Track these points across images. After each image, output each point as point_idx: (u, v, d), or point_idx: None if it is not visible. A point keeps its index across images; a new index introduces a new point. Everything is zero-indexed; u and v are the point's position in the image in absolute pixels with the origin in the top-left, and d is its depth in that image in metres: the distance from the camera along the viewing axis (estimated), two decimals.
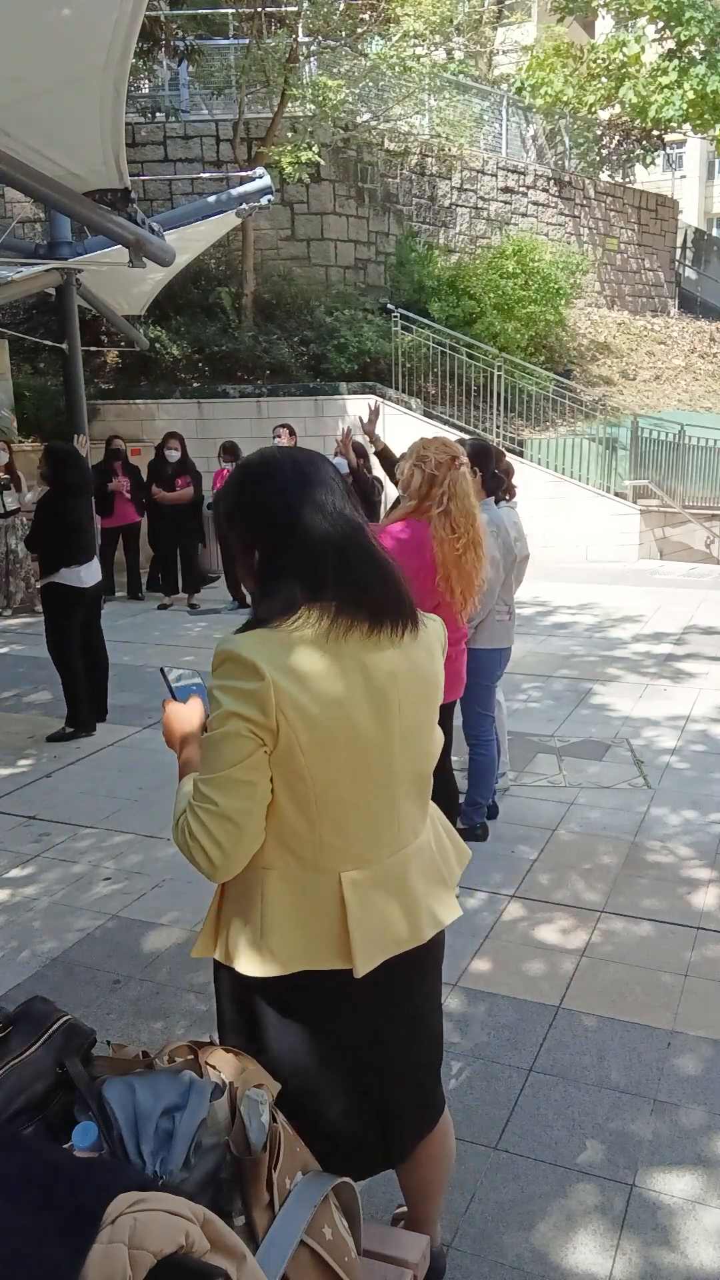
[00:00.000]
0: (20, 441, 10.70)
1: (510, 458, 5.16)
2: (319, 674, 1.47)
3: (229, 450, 9.48)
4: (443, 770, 3.69)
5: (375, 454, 5.40)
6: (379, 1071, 1.68)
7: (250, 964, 1.57)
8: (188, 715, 1.72)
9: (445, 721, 3.62)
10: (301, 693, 1.46)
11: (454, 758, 4.79)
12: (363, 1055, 1.66)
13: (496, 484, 4.21)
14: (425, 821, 1.72)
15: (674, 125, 18.19)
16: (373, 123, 14.85)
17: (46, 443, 7.42)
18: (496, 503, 4.21)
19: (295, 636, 1.48)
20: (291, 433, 8.90)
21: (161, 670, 1.82)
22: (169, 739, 1.74)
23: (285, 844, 1.55)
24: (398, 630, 1.55)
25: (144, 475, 10.01)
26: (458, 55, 19.68)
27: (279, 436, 8.74)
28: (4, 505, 9.43)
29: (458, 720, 4.23)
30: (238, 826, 1.47)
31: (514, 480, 4.69)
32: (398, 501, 3.75)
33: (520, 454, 12.64)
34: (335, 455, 7.59)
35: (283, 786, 1.51)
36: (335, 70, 13.94)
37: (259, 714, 1.45)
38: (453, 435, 10.49)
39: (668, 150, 22.46)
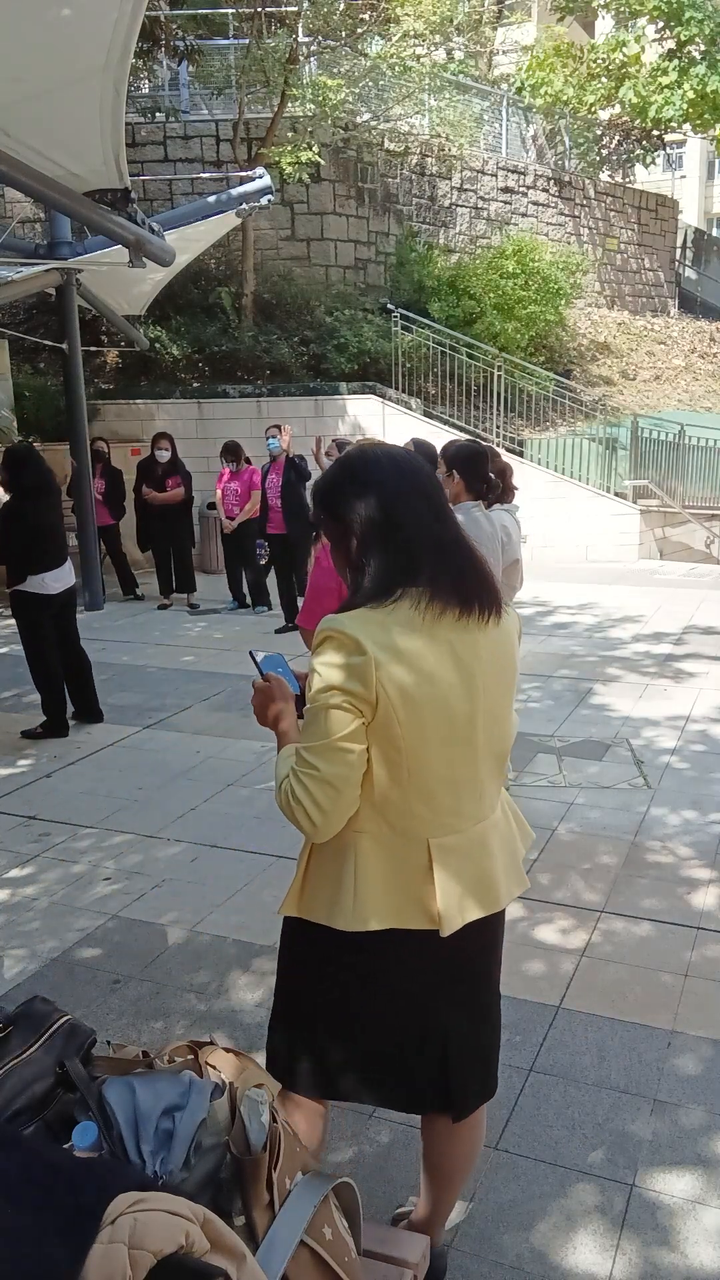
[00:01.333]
0: (22, 440, 10.69)
1: (510, 458, 5.14)
2: (414, 652, 1.61)
3: (231, 450, 9.47)
4: None
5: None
6: (445, 1028, 1.80)
7: (344, 919, 1.69)
8: (278, 691, 1.85)
9: None
10: (399, 668, 1.60)
11: None
12: (432, 1011, 1.79)
13: (487, 487, 4.12)
14: (500, 795, 1.85)
15: (674, 125, 18.20)
16: (373, 123, 14.86)
17: (53, 442, 7.28)
18: (488, 506, 4.16)
19: (393, 617, 1.62)
20: (280, 430, 8.83)
21: (250, 654, 1.95)
22: (261, 715, 1.85)
23: (378, 810, 1.68)
24: (484, 616, 1.69)
25: (130, 477, 10.01)
26: (458, 55, 19.70)
27: (273, 436, 8.68)
28: None
29: None
30: (337, 790, 1.61)
31: (513, 481, 4.66)
32: None
33: (520, 454, 12.64)
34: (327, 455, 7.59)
35: (378, 756, 1.64)
36: (335, 70, 13.94)
37: (360, 687, 1.59)
38: (452, 435, 10.51)
39: (668, 150, 22.47)
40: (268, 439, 8.68)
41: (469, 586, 1.68)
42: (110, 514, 10.04)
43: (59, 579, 5.70)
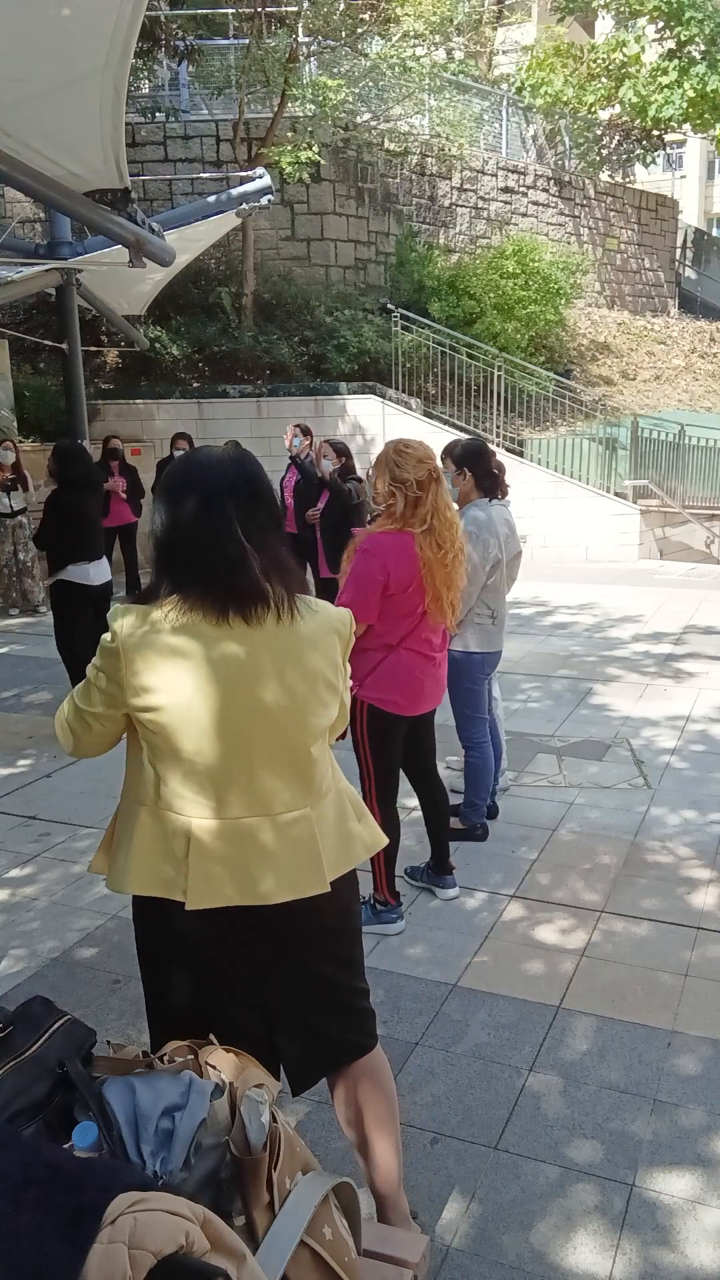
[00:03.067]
0: (21, 441, 10.70)
1: (510, 458, 5.13)
2: (171, 648, 1.71)
3: None
4: (431, 773, 3.68)
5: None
6: (261, 1004, 1.87)
7: (114, 880, 1.84)
8: None
9: (427, 729, 3.62)
10: (151, 659, 1.71)
11: (451, 758, 4.81)
12: (213, 988, 1.85)
13: (493, 483, 4.19)
14: (308, 799, 1.84)
15: (674, 125, 18.20)
16: (373, 123, 14.85)
17: (54, 442, 7.38)
18: (490, 502, 4.19)
19: (160, 615, 1.73)
20: (306, 432, 8.77)
21: None
22: None
23: (150, 785, 1.80)
24: (252, 615, 1.72)
25: (142, 475, 10.00)
26: (458, 55, 19.69)
27: (295, 437, 8.63)
28: (10, 505, 9.43)
29: (451, 720, 4.23)
30: (73, 736, 1.88)
31: (506, 478, 4.68)
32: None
33: (520, 454, 12.64)
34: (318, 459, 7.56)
35: (143, 734, 1.78)
36: (335, 70, 13.94)
37: (110, 667, 1.75)
38: (452, 435, 10.50)
39: (668, 150, 22.46)
40: (293, 439, 8.64)
41: (234, 590, 1.71)
42: (131, 510, 10.03)
43: (99, 572, 5.86)
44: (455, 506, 3.35)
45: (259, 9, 12.28)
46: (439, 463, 3.27)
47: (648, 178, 22.24)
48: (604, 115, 19.23)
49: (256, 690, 1.74)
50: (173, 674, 1.71)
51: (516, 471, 4.72)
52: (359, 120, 14.56)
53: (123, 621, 1.75)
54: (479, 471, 4.09)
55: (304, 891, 1.80)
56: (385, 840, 2.02)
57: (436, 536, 3.18)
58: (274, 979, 1.86)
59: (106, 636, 1.76)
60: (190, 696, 1.71)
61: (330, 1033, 1.95)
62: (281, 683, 1.76)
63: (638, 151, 19.47)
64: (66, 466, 5.78)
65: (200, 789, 1.76)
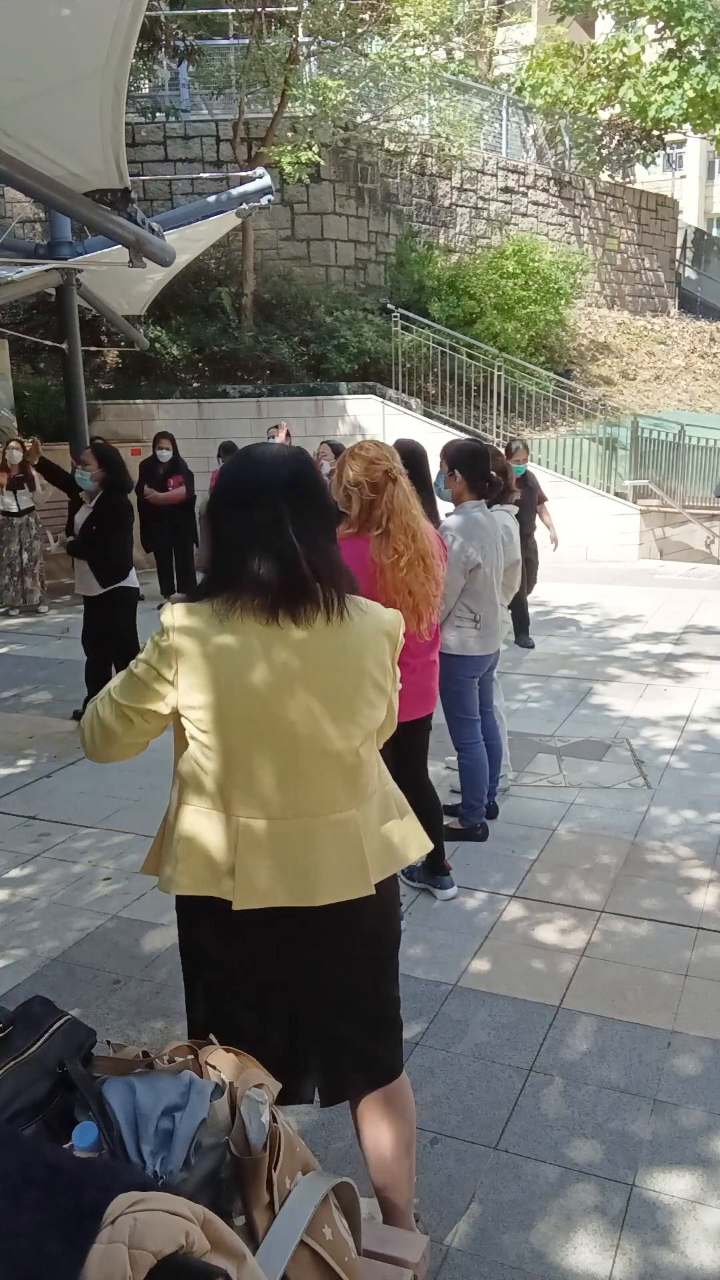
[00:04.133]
0: (18, 440, 10.69)
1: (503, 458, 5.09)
2: (219, 646, 1.70)
3: (227, 451, 9.48)
4: (418, 780, 3.63)
5: None
6: (293, 1013, 1.85)
7: (165, 882, 1.83)
8: None
9: (420, 735, 3.57)
10: (199, 657, 1.71)
11: (450, 758, 4.80)
12: (252, 991, 1.84)
13: (490, 486, 4.09)
14: (355, 801, 1.82)
15: (674, 125, 18.21)
16: (373, 123, 14.86)
17: (96, 439, 7.31)
18: (490, 505, 4.15)
19: (209, 612, 1.72)
20: (287, 435, 8.88)
21: None
22: None
23: (197, 784, 1.79)
24: (301, 616, 1.71)
25: (136, 476, 9.99)
26: (458, 55, 19.70)
27: (273, 436, 8.73)
28: (18, 504, 9.42)
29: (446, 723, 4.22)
30: (106, 735, 1.85)
31: (514, 482, 4.65)
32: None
33: None
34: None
35: (190, 731, 1.76)
36: (335, 70, 13.94)
37: (159, 664, 1.74)
38: (452, 435, 10.50)
39: (668, 150, 22.46)
40: (269, 438, 8.72)
41: (283, 591, 1.69)
42: None
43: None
44: (419, 509, 3.19)
45: (259, 9, 12.28)
46: (398, 464, 3.08)
47: (648, 178, 22.24)
48: (604, 115, 19.24)
49: (305, 691, 1.72)
50: (222, 673, 1.70)
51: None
52: (359, 120, 14.56)
53: (174, 618, 1.74)
54: (472, 473, 3.98)
55: (349, 894, 1.78)
56: (430, 844, 1.99)
57: (392, 541, 3.03)
58: (313, 980, 1.85)
59: (157, 633, 1.75)
60: (238, 696, 1.71)
61: (362, 1044, 1.93)
62: (330, 684, 1.75)
63: (638, 151, 19.48)
64: (117, 470, 5.70)
65: (248, 790, 1.75)
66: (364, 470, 3.02)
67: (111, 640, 5.83)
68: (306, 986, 1.85)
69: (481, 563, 3.98)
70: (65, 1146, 1.35)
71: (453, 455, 4.01)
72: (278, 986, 1.84)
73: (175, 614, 1.75)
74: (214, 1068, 1.52)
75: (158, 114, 14.04)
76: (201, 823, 1.79)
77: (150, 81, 14.43)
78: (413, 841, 1.94)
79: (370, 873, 1.81)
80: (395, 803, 1.94)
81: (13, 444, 9.45)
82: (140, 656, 1.78)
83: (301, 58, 12.98)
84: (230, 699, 1.71)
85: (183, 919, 1.90)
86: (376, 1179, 2.01)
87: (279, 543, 1.70)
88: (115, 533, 5.69)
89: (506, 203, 17.04)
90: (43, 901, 3.79)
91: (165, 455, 9.70)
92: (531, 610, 8.90)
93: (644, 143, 19.26)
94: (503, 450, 6.29)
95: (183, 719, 1.77)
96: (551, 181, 17.73)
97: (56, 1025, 1.53)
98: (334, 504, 1.90)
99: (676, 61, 17.16)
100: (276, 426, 8.82)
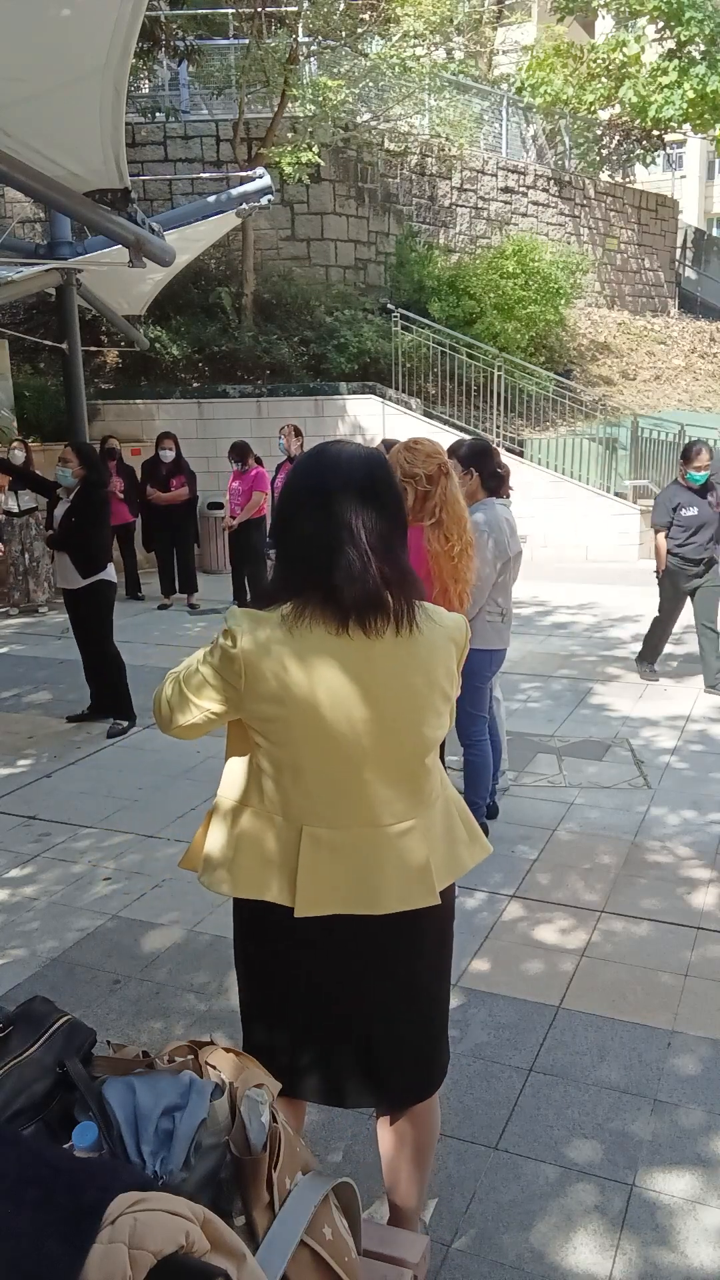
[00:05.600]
0: (19, 441, 10.69)
1: (511, 457, 5.14)
2: (288, 655, 1.66)
3: (237, 450, 9.48)
4: None
5: None
6: (365, 1021, 1.83)
7: (217, 883, 1.80)
8: None
9: None
10: (269, 666, 1.67)
11: (452, 757, 4.80)
12: (344, 1001, 1.82)
13: (498, 482, 4.21)
14: (419, 810, 1.80)
15: (674, 125, 18.21)
16: (373, 123, 14.85)
17: (109, 438, 7.44)
18: (495, 501, 4.21)
19: (278, 621, 1.68)
20: (297, 433, 8.88)
21: None
22: None
23: (259, 789, 1.77)
24: (371, 627, 1.67)
25: (139, 476, 10.00)
26: (458, 55, 19.68)
27: (284, 438, 8.74)
28: (19, 504, 9.42)
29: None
30: (176, 712, 1.81)
31: (510, 479, 4.70)
32: None
33: (520, 454, 12.64)
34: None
35: (256, 739, 1.74)
36: (335, 70, 13.93)
37: (228, 671, 1.70)
38: (453, 435, 10.51)
39: (668, 150, 22.47)
40: (279, 439, 8.75)
41: (354, 601, 1.65)
42: (130, 510, 10.00)
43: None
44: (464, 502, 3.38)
45: (259, 9, 12.28)
46: (446, 460, 3.30)
47: (648, 178, 22.24)
48: (604, 115, 19.24)
49: (373, 702, 1.69)
50: (290, 684, 1.67)
51: (517, 471, 4.76)
52: (359, 120, 14.56)
53: (241, 626, 1.69)
54: (485, 471, 4.12)
55: (413, 903, 1.76)
56: (489, 849, 1.97)
57: (444, 530, 3.19)
58: (376, 988, 1.83)
59: (224, 639, 1.71)
60: (307, 707, 1.67)
61: (423, 1049, 1.92)
62: (399, 695, 1.71)
63: (638, 151, 19.48)
64: (96, 467, 5.83)
65: (313, 797, 1.73)
66: (423, 463, 3.20)
67: (92, 634, 5.90)
68: (370, 993, 1.82)
69: (510, 556, 4.13)
70: (65, 1146, 1.35)
71: (466, 454, 4.15)
72: (342, 995, 1.82)
73: (243, 621, 1.70)
74: (214, 1068, 1.52)
75: (158, 114, 14.03)
76: (261, 826, 1.76)
77: (150, 81, 14.43)
78: (475, 847, 1.92)
79: (435, 881, 1.78)
80: (457, 808, 1.92)
81: (15, 445, 9.45)
82: (208, 658, 1.75)
83: (301, 58, 12.97)
84: (298, 710, 1.67)
85: (241, 925, 1.87)
86: (389, 1181, 2.00)
87: (351, 550, 1.65)
88: (94, 526, 5.76)
89: (506, 203, 17.04)
90: (43, 901, 3.79)
91: (168, 455, 9.70)
92: (532, 610, 8.91)
93: (644, 143, 19.26)
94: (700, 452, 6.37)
95: (249, 726, 1.74)
96: (551, 181, 17.73)
97: (56, 1025, 1.53)
98: (405, 508, 1.86)
99: (676, 61, 17.16)
100: (290, 427, 8.81)
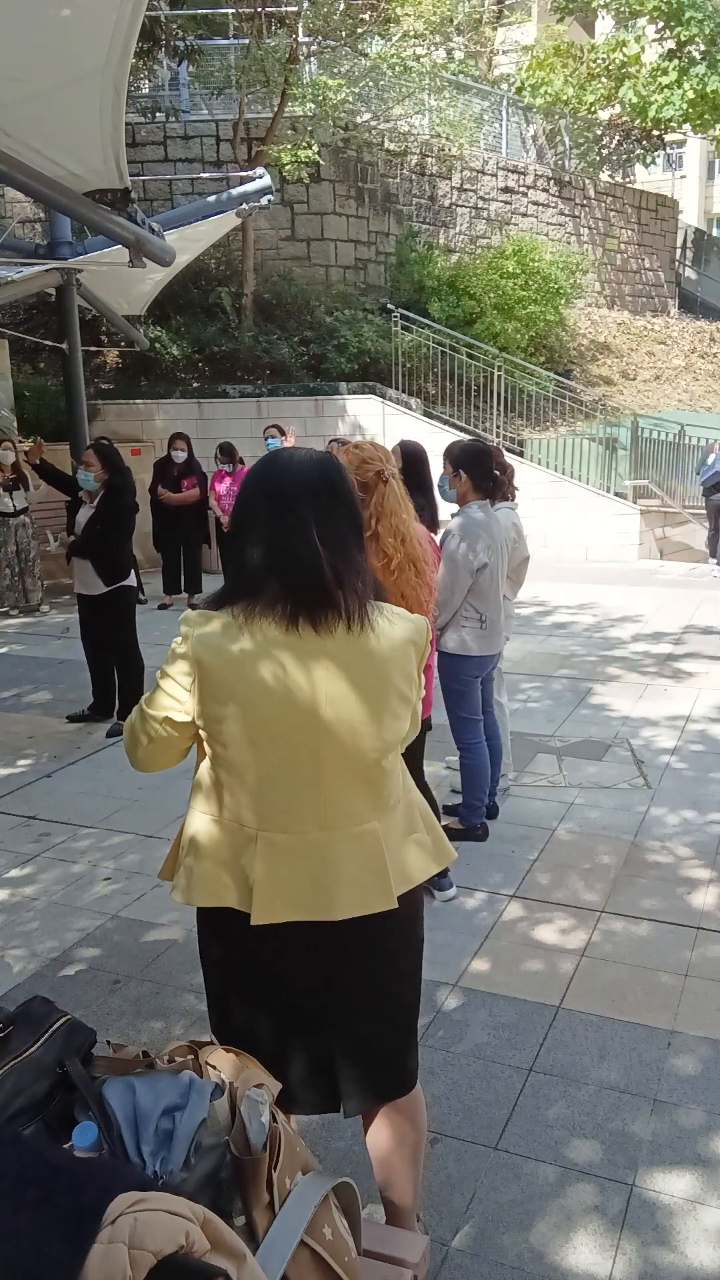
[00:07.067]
0: (23, 441, 10.70)
1: (510, 458, 5.12)
2: (238, 655, 1.66)
3: (226, 451, 9.49)
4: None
5: None
6: (326, 1024, 1.83)
7: (177, 891, 1.81)
8: None
9: (416, 740, 3.54)
10: (218, 667, 1.67)
11: (451, 757, 4.80)
12: (278, 1004, 1.82)
13: (493, 486, 4.15)
14: (377, 813, 1.78)
15: (674, 125, 18.21)
16: (373, 123, 14.85)
17: (102, 439, 7.31)
18: (493, 504, 4.17)
19: (229, 620, 1.68)
20: (282, 432, 8.90)
21: None
22: None
23: (214, 795, 1.77)
24: (321, 624, 1.66)
25: (139, 477, 9.99)
26: (458, 55, 19.68)
27: (272, 436, 8.75)
28: (13, 504, 9.43)
29: (446, 726, 4.22)
30: (140, 740, 1.81)
31: (514, 481, 4.67)
32: None
33: (520, 454, 12.64)
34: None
35: (208, 742, 1.74)
36: (335, 70, 13.94)
37: (181, 674, 1.71)
38: (453, 435, 10.51)
39: (668, 150, 22.46)
40: (266, 439, 8.73)
41: (304, 597, 1.65)
42: None
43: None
44: (411, 513, 3.13)
45: (259, 9, 12.28)
46: (390, 466, 3.02)
47: (648, 178, 22.24)
48: (604, 115, 19.24)
49: (325, 701, 1.67)
50: (239, 683, 1.66)
51: (517, 471, 4.75)
52: (359, 120, 14.56)
53: (193, 626, 1.69)
54: (476, 473, 4.02)
55: (371, 908, 1.75)
56: (454, 855, 1.96)
57: (381, 544, 2.97)
58: (335, 992, 1.82)
59: (177, 641, 1.71)
60: (256, 706, 1.66)
61: (391, 1052, 1.92)
62: (352, 694, 1.69)
63: (638, 151, 19.49)
64: (120, 471, 5.74)
65: (267, 801, 1.72)
66: (355, 469, 2.93)
67: (115, 640, 5.87)
68: (335, 998, 1.82)
69: (488, 562, 3.98)
70: (65, 1146, 1.35)
71: (457, 456, 4.04)
72: (305, 999, 1.81)
73: (193, 620, 1.70)
74: (214, 1068, 1.52)
75: (158, 114, 14.03)
76: (217, 834, 1.76)
77: (150, 81, 14.43)
78: (437, 852, 1.91)
79: (392, 885, 1.77)
80: (420, 812, 1.90)
81: (4, 444, 9.45)
82: (163, 666, 1.75)
83: (301, 58, 12.97)
84: (248, 709, 1.67)
85: (203, 932, 1.87)
86: (381, 1180, 2.00)
87: (302, 547, 1.65)
88: (119, 532, 5.72)
89: (506, 203, 17.04)
90: (43, 901, 3.79)
91: (180, 456, 9.71)
92: (532, 610, 8.91)
93: (644, 143, 19.26)
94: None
95: (203, 731, 1.73)
96: (551, 181, 17.73)
97: (56, 1025, 1.53)
98: (360, 510, 1.83)
99: (676, 61, 17.16)
100: (276, 428, 8.81)
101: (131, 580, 5.85)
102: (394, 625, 1.75)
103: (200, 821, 1.79)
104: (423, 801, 1.94)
